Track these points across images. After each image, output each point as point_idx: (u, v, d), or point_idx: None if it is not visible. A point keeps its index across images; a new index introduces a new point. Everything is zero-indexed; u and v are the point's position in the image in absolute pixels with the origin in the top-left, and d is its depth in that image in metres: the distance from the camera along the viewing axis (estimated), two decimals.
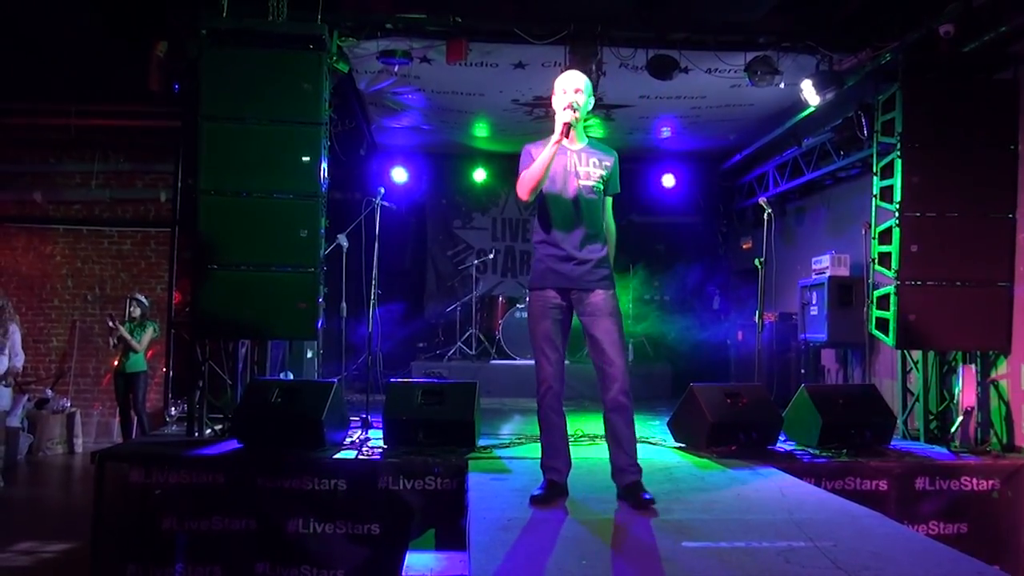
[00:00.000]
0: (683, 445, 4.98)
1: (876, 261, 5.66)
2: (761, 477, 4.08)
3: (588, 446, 4.98)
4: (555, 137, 3.40)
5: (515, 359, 8.59)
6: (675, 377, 8.62)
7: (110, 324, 7.56)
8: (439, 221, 10.42)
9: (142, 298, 7.77)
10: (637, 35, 5.98)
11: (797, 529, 3.03)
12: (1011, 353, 5.32)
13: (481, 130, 8.80)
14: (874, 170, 5.71)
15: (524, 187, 3.46)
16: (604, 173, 3.56)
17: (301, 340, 6.10)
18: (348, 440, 4.90)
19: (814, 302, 7.21)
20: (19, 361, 7.08)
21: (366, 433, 5.05)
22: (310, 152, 5.03)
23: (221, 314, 4.94)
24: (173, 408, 5.88)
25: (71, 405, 9.00)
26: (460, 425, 4.66)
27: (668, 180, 10.01)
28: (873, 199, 5.72)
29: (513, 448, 4.86)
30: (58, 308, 9.37)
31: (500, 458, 4.52)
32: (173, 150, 6.19)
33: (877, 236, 5.65)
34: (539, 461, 3.57)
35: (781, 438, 5.02)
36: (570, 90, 3.51)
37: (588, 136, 3.67)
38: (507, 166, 9.85)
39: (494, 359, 8.82)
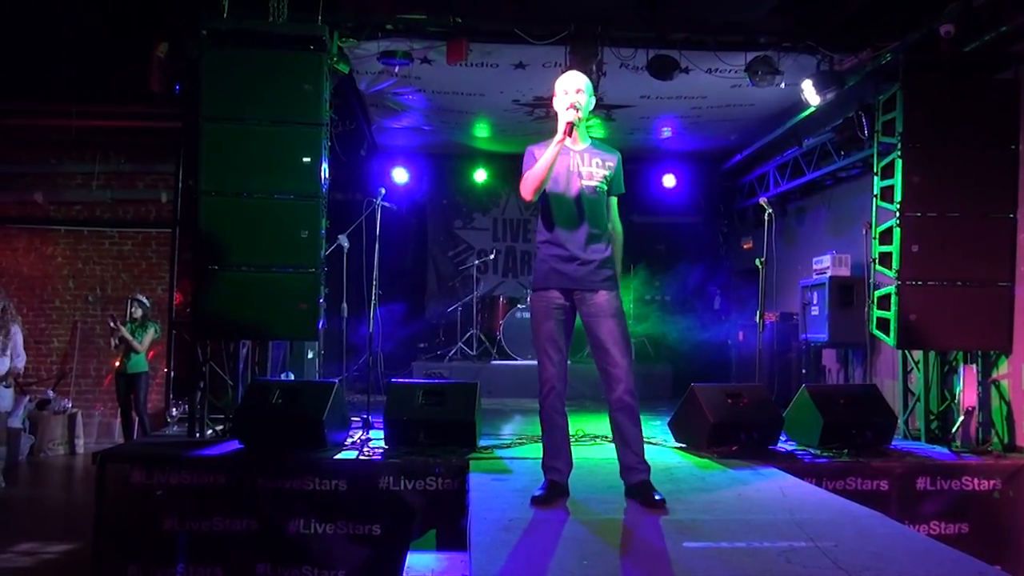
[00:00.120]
0: (684, 445, 4.98)
1: (877, 261, 5.66)
2: (762, 477, 4.08)
3: (589, 446, 4.98)
4: (558, 137, 3.41)
5: (516, 359, 8.59)
6: (676, 377, 8.61)
7: (111, 325, 7.57)
8: (440, 221, 10.42)
9: (143, 299, 7.77)
10: (637, 35, 5.98)
11: (798, 529, 3.03)
12: (1012, 353, 5.31)
13: (482, 130, 8.80)
14: (875, 170, 5.71)
15: (527, 187, 3.46)
16: (607, 173, 3.56)
17: (302, 341, 6.10)
18: (349, 440, 4.90)
19: (815, 302, 7.21)
20: (20, 362, 7.08)
21: (367, 433, 5.05)
22: (311, 153, 5.03)
23: (222, 315, 4.94)
24: (174, 409, 5.88)
25: (72, 406, 9.01)
26: (461, 425, 4.66)
27: (669, 180, 10.02)
28: (874, 199, 5.72)
29: (514, 448, 4.86)
30: (59, 309, 9.38)
31: (501, 458, 4.52)
32: (174, 151, 6.19)
33: (878, 236, 5.65)
34: (540, 461, 3.57)
35: (782, 438, 5.02)
36: (571, 90, 3.51)
37: (591, 137, 3.67)
38: (508, 166, 9.86)
39: (495, 359, 8.82)
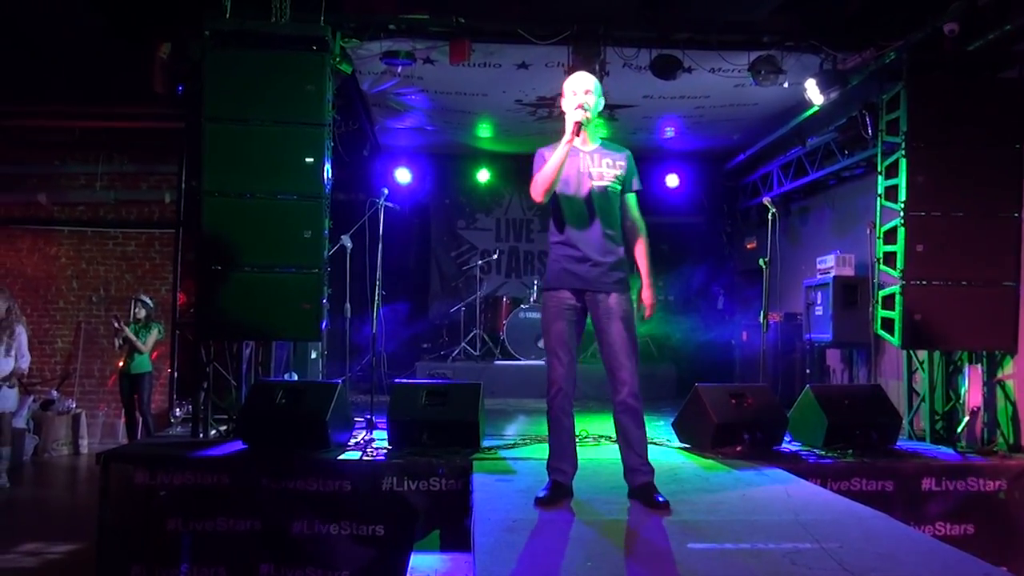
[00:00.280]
0: (688, 446, 4.97)
1: (881, 261, 5.64)
2: (766, 478, 4.07)
3: (593, 447, 4.97)
4: (567, 137, 3.41)
5: (519, 360, 8.58)
6: (679, 378, 8.58)
7: (115, 325, 7.58)
8: (443, 222, 10.42)
9: (147, 299, 7.78)
10: (640, 35, 5.97)
11: (803, 530, 3.02)
12: (1017, 353, 5.29)
13: (485, 131, 8.80)
14: (879, 169, 5.70)
15: (537, 188, 3.46)
16: (619, 173, 3.57)
17: (305, 341, 6.10)
18: (352, 441, 4.90)
19: (819, 302, 7.19)
20: (24, 362, 7.10)
21: (370, 434, 5.05)
22: (314, 153, 5.03)
23: (226, 315, 4.94)
24: (178, 409, 5.90)
25: (76, 406, 9.02)
26: (464, 426, 4.65)
27: (672, 180, 9.99)
28: (878, 198, 5.71)
29: (518, 449, 4.85)
30: (63, 309, 9.39)
31: (505, 459, 4.51)
32: (177, 152, 6.18)
33: (882, 236, 5.63)
34: (544, 462, 3.57)
35: (786, 439, 5.01)
36: (580, 91, 3.51)
37: (600, 137, 3.66)
38: (511, 167, 9.86)
39: (498, 360, 8.81)
